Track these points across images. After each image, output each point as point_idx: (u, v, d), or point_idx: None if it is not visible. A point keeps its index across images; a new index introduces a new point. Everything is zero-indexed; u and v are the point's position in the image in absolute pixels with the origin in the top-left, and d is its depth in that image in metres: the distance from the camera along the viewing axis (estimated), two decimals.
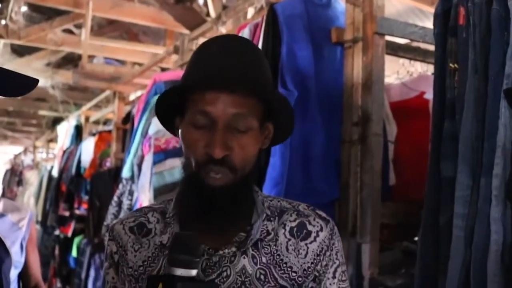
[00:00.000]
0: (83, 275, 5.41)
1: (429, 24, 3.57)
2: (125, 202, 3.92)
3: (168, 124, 1.19)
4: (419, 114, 2.64)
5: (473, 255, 1.55)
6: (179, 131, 1.12)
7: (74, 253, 5.93)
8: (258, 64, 1.10)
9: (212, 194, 1.05)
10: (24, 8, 6.05)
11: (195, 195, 1.07)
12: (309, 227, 1.14)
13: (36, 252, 2.29)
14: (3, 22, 5.96)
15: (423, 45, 2.59)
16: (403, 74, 3.07)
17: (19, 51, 7.27)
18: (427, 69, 2.97)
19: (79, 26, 6.41)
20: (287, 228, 1.14)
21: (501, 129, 1.53)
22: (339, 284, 1.15)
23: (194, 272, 0.96)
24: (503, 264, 1.50)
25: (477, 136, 1.60)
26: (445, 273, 1.64)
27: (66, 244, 6.39)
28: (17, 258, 2.08)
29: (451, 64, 1.70)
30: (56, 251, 6.96)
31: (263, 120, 1.10)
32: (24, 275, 2.22)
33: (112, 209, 4.03)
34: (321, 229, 1.14)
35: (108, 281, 1.19)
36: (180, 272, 0.95)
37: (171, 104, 1.12)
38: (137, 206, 3.57)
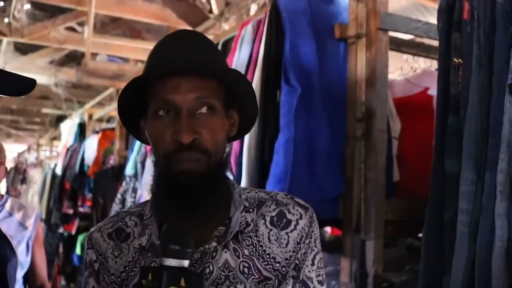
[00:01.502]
0: None
1: (432, 19, 3.56)
2: (129, 200, 3.93)
3: (133, 128, 1.18)
4: (423, 110, 2.63)
5: (478, 251, 1.54)
6: (146, 131, 1.11)
7: (78, 250, 5.94)
8: (211, 49, 1.12)
9: (187, 182, 1.04)
10: (27, 6, 6.05)
11: (170, 189, 1.05)
12: (289, 216, 1.14)
13: (42, 252, 2.27)
14: (6, 20, 5.97)
15: (426, 41, 2.58)
16: (406, 70, 3.05)
17: (22, 49, 7.27)
18: (431, 64, 2.95)
19: (82, 24, 6.42)
20: (267, 219, 1.14)
21: (505, 124, 1.52)
22: (318, 271, 1.16)
23: (186, 263, 0.96)
24: (508, 260, 1.49)
25: (482, 131, 1.59)
26: (449, 269, 1.64)
27: (70, 241, 6.41)
28: (23, 258, 2.06)
29: (455, 59, 1.69)
30: (60, 249, 6.98)
31: (226, 105, 1.10)
32: (30, 275, 2.21)
33: (115, 206, 4.04)
34: (301, 217, 1.15)
35: None
36: (172, 262, 0.95)
37: (133, 107, 1.12)
38: None
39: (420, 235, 2.60)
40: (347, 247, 2.29)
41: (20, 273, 2.08)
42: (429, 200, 1.78)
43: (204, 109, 1.05)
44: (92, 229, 1.20)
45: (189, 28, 4.36)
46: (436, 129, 1.77)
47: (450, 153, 1.68)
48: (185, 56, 1.06)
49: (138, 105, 1.11)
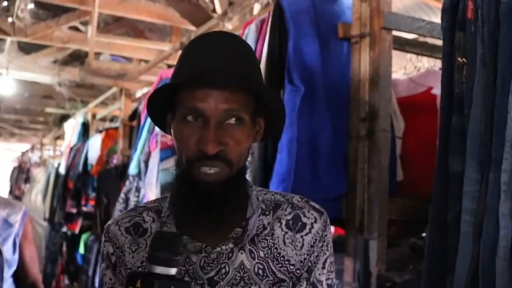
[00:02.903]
0: (90, 272, 5.43)
1: (435, 18, 3.55)
2: (132, 199, 3.93)
3: (160, 121, 1.19)
4: (427, 109, 2.63)
5: (482, 251, 1.53)
6: (171, 128, 1.12)
7: (81, 250, 5.95)
8: (246, 59, 1.10)
9: (207, 189, 1.05)
10: (30, 6, 6.07)
11: (189, 192, 1.06)
12: (304, 219, 1.15)
13: (32, 249, 2.21)
14: (10, 19, 5.99)
15: (430, 40, 2.57)
16: (410, 69, 3.05)
17: (26, 48, 7.29)
18: (434, 64, 2.95)
19: (85, 23, 6.43)
20: (283, 222, 1.15)
21: (509, 124, 1.52)
22: (328, 274, 1.17)
23: (173, 271, 0.95)
24: None
25: (486, 130, 1.58)
26: (453, 269, 1.63)
27: (73, 241, 6.42)
28: (9, 256, 2.02)
29: (459, 59, 1.68)
30: (64, 248, 6.99)
31: (254, 114, 1.10)
32: (20, 273, 2.16)
33: (119, 205, 4.04)
34: (315, 221, 1.16)
35: (106, 282, 1.17)
36: (159, 270, 0.94)
37: (162, 102, 1.12)
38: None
39: (424, 234, 2.60)
40: (350, 246, 2.29)
41: (8, 272, 2.04)
42: (433, 199, 1.77)
43: (232, 120, 1.05)
44: (109, 222, 1.21)
45: (193, 27, 4.37)
46: (440, 128, 1.77)
47: (454, 152, 1.68)
48: (217, 66, 1.05)
49: (166, 100, 1.11)
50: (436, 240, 1.72)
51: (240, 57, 1.08)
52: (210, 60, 1.06)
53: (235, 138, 1.05)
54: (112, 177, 5.08)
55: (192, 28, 4.63)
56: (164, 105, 1.13)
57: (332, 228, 3.31)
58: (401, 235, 2.61)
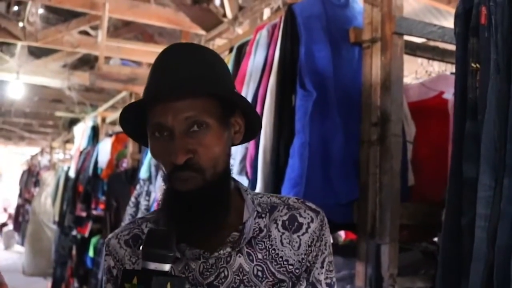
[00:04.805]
0: (100, 275, 5.44)
1: (445, 22, 3.55)
2: (143, 203, 3.95)
3: (139, 135, 1.20)
4: (438, 114, 2.62)
5: (496, 257, 1.53)
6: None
7: (91, 253, 5.97)
8: (202, 64, 1.10)
9: (183, 199, 1.07)
10: (41, 10, 6.11)
11: (172, 203, 1.09)
12: (300, 219, 1.17)
13: None
14: (20, 24, 6.03)
15: (441, 45, 2.57)
16: (421, 74, 3.04)
17: (36, 53, 7.34)
18: (446, 68, 2.94)
19: (95, 28, 6.46)
20: (279, 223, 1.16)
21: None
22: (327, 274, 1.17)
23: (167, 267, 0.97)
24: None
25: (500, 136, 1.58)
26: (467, 275, 1.63)
27: (83, 244, 6.44)
28: None
29: (472, 64, 1.68)
30: (73, 251, 7.01)
31: (224, 117, 1.10)
32: None
33: (130, 209, 4.06)
34: (312, 221, 1.17)
35: None
36: (154, 266, 0.96)
37: (138, 116, 1.13)
38: (155, 207, 3.59)
39: (435, 239, 2.60)
40: (362, 251, 2.29)
41: None
42: (447, 205, 1.77)
43: (196, 127, 1.06)
44: (109, 236, 1.23)
45: (202, 32, 4.39)
46: (453, 134, 1.77)
47: (468, 158, 1.68)
48: (171, 79, 1.07)
49: (142, 116, 1.13)
50: (450, 246, 1.72)
51: (196, 65, 1.09)
52: (165, 75, 1.08)
53: (203, 144, 1.06)
54: (122, 180, 5.10)
55: (202, 32, 4.65)
56: (139, 120, 1.14)
57: (343, 233, 3.31)
58: (413, 240, 2.61)
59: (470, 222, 1.64)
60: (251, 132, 1.20)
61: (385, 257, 2.19)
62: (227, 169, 1.14)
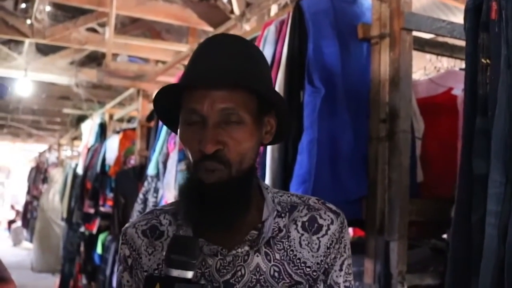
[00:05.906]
0: (107, 272, 5.46)
1: (453, 18, 3.52)
2: (151, 200, 3.95)
3: (170, 121, 1.19)
4: (447, 110, 2.61)
5: (507, 254, 1.52)
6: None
7: (99, 250, 5.99)
8: (248, 59, 1.10)
9: (206, 190, 1.05)
10: (48, 8, 6.12)
11: (195, 194, 1.07)
12: (320, 221, 1.15)
13: None
14: (28, 21, 6.05)
15: (450, 40, 2.55)
16: (430, 70, 3.03)
17: (44, 50, 7.37)
18: (454, 64, 2.93)
19: (102, 25, 6.47)
20: (299, 224, 1.15)
21: None
22: (346, 277, 1.16)
23: (190, 274, 0.97)
24: None
25: (510, 132, 1.57)
26: (477, 272, 1.62)
27: (91, 241, 6.46)
28: None
29: (483, 60, 1.67)
30: (81, 248, 7.04)
31: (259, 115, 1.10)
32: None
33: (137, 206, 4.06)
34: (332, 222, 1.15)
35: (124, 284, 1.19)
36: (176, 273, 0.96)
37: (170, 103, 1.13)
38: (163, 203, 3.59)
39: (445, 236, 2.59)
40: (371, 248, 2.28)
41: None
42: (457, 201, 1.76)
43: (230, 120, 1.05)
44: (126, 225, 1.22)
45: (210, 28, 4.38)
46: (463, 130, 1.76)
47: (478, 154, 1.66)
48: (214, 66, 1.06)
49: (173, 102, 1.12)
50: (460, 243, 1.71)
51: (240, 58, 1.09)
52: (208, 62, 1.07)
53: (235, 138, 1.05)
54: (129, 177, 5.11)
55: (209, 29, 4.65)
56: (173, 106, 1.13)
57: (351, 230, 3.30)
58: (422, 236, 2.60)
59: (481, 219, 1.63)
60: (281, 135, 1.18)
61: (394, 254, 2.18)
62: (253, 167, 1.12)
